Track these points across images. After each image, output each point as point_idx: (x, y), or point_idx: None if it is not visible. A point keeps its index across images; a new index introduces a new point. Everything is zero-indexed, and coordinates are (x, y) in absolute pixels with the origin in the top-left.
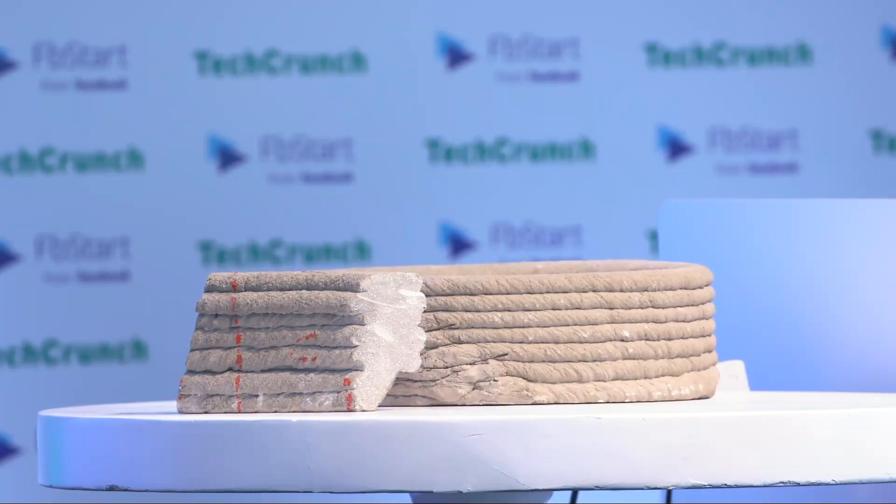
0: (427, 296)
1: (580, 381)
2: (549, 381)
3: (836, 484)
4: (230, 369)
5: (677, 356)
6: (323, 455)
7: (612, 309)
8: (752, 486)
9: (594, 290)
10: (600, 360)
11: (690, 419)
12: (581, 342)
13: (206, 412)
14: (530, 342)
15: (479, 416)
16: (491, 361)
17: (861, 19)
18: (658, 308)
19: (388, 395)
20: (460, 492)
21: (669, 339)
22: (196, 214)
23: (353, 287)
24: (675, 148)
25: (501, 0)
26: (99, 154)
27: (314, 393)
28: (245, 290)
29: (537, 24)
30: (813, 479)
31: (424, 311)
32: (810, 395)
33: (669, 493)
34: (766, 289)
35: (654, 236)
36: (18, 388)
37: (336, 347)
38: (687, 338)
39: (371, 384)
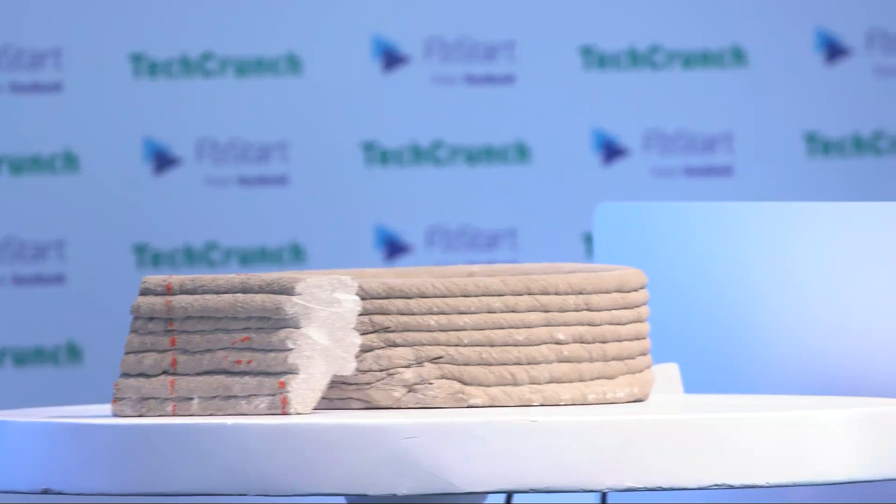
0: (362, 299)
1: (515, 383)
2: (484, 383)
3: (770, 486)
4: (165, 372)
5: (612, 359)
6: (258, 458)
7: (547, 312)
8: (686, 489)
9: (529, 294)
10: (535, 363)
11: (625, 422)
12: (516, 345)
13: (140, 415)
14: (465, 345)
15: (414, 419)
16: (426, 364)
17: (795, 22)
18: (593, 311)
19: (323, 398)
20: (395, 494)
21: (604, 342)
22: (131, 217)
23: (287, 290)
24: (611, 151)
25: (437, 2)
26: (34, 156)
27: (249, 396)
28: (180, 294)
29: (473, 27)
30: (746, 482)
31: (359, 315)
32: (744, 398)
33: (604, 495)
34: (701, 292)
35: (589, 239)
36: None
37: (271, 350)
38: (622, 341)
39: (306, 387)
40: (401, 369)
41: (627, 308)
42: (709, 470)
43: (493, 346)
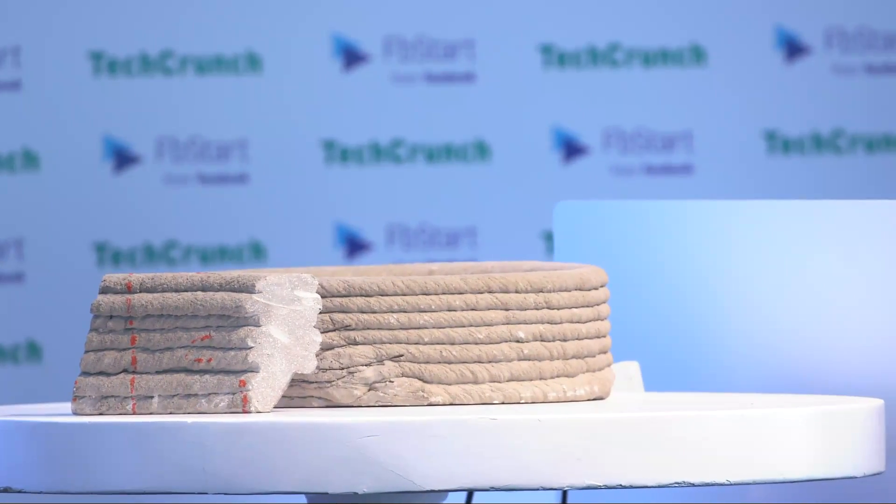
0: (323, 297)
1: (476, 382)
2: (445, 382)
3: (730, 484)
4: (125, 370)
5: (572, 357)
6: (218, 457)
7: (507, 310)
8: (646, 487)
9: (489, 292)
10: (496, 361)
11: (585, 420)
12: (476, 343)
13: (100, 414)
14: (426, 343)
15: (375, 417)
16: (387, 362)
17: (754, 20)
18: (553, 309)
19: (283, 396)
20: (356, 493)
21: (564, 340)
22: (91, 215)
23: (248, 288)
24: (570, 149)
25: (396, 1)
26: None
27: (209, 394)
28: (140, 292)
29: (432, 26)
30: (707, 480)
31: (320, 313)
32: (704, 396)
33: (565, 493)
34: (661, 290)
35: (549, 237)
36: None
37: (231, 349)
38: (582, 339)
39: (266, 385)
40: (361, 367)
41: (587, 306)
42: (669, 468)
43: (453, 344)
